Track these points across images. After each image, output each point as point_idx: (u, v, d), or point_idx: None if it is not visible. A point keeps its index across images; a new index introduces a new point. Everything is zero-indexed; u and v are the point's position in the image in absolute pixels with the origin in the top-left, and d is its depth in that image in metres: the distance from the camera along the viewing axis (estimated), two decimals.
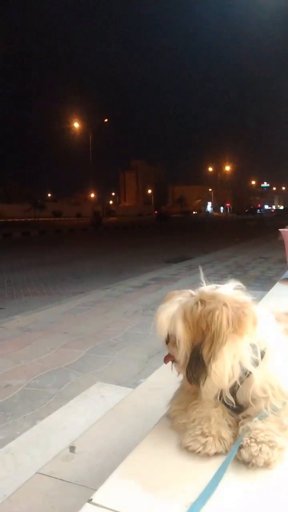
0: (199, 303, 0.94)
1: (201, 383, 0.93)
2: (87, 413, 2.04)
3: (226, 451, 0.95)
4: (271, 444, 0.91)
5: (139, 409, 1.82)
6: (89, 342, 3.77)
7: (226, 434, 0.97)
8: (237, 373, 0.95)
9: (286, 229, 3.06)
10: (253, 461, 0.90)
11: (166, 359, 1.05)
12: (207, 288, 1.02)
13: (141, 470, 0.94)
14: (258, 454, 0.89)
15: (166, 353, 1.07)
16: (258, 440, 0.91)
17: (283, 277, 3.27)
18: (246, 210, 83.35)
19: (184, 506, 0.82)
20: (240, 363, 0.93)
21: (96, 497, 0.85)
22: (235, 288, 1.01)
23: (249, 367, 0.94)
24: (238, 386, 0.97)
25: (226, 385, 0.94)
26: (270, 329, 0.98)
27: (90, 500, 0.84)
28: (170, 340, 0.99)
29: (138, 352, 3.50)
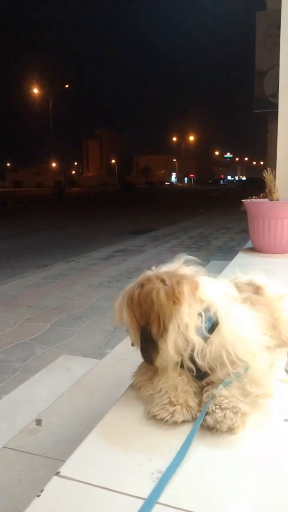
0: (138, 286, 0.97)
1: (154, 360, 0.96)
2: (53, 386, 2.03)
3: (193, 418, 0.97)
4: (234, 410, 0.94)
5: (106, 380, 1.84)
6: (53, 315, 3.73)
7: (193, 402, 1.00)
8: (190, 343, 0.96)
9: (248, 200, 3.10)
10: (218, 426, 0.92)
11: (132, 344, 1.08)
12: (152, 270, 1.03)
13: (109, 441, 0.95)
14: (222, 420, 0.91)
15: None
16: (222, 406, 0.94)
17: (245, 247, 3.34)
18: (210, 181, 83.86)
19: (151, 474, 0.83)
20: (188, 332, 0.95)
21: (64, 469, 0.85)
22: (184, 263, 1.03)
23: (196, 335, 0.96)
24: (195, 354, 0.99)
25: (176, 357, 0.96)
26: (218, 296, 1.00)
27: (58, 473, 0.84)
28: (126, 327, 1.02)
29: (104, 324, 3.51)
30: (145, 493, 0.79)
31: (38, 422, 1.48)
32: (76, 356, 2.68)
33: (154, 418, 0.99)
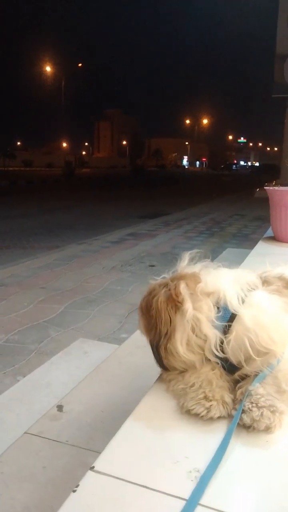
0: (147, 295, 0.97)
1: (163, 366, 0.98)
2: (70, 369, 2.02)
3: (228, 415, 0.94)
4: (272, 409, 0.91)
5: (125, 367, 1.82)
6: (67, 297, 3.72)
7: (228, 398, 0.97)
8: (207, 337, 0.94)
9: (271, 188, 3.01)
10: (255, 425, 0.89)
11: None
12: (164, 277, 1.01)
13: (142, 434, 0.92)
14: (259, 419, 0.89)
15: None
16: (259, 405, 0.91)
17: (265, 235, 3.27)
18: (222, 166, 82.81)
19: (188, 473, 0.81)
20: (202, 327, 0.93)
21: (98, 464, 0.83)
22: (190, 261, 1.01)
23: (211, 328, 0.93)
24: (212, 346, 0.96)
25: (193, 356, 0.95)
26: (228, 284, 0.97)
27: (92, 468, 0.82)
28: None
29: (118, 308, 3.49)
30: (183, 493, 0.76)
31: (60, 408, 1.46)
32: (92, 339, 2.67)
33: (188, 413, 0.96)
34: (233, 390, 0.99)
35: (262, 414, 0.90)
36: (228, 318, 0.94)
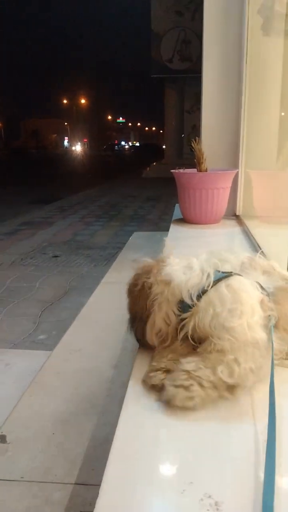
0: (131, 279, 1.06)
1: (141, 335, 1.04)
2: None
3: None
4: (190, 389, 0.93)
5: (64, 377, 1.67)
6: None
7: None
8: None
9: (177, 171, 3.05)
10: (171, 403, 0.93)
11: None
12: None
13: (130, 471, 0.82)
14: (173, 398, 0.92)
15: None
16: (176, 383, 0.93)
17: (174, 218, 3.32)
18: (105, 147, 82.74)
19: (200, 501, 0.73)
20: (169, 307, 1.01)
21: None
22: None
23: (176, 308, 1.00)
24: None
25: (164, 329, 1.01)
26: (189, 267, 1.04)
27: None
28: None
29: (28, 307, 3.24)
30: None
31: (2, 438, 1.26)
32: (8, 348, 2.42)
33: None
34: None
35: (175, 394, 0.92)
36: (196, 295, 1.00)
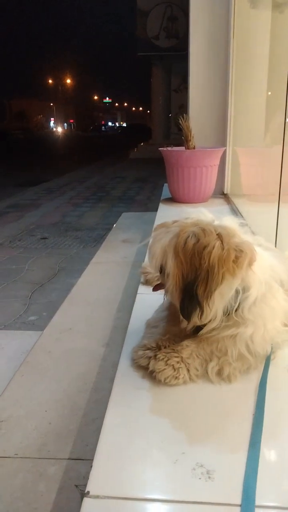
0: (193, 236, 0.89)
1: (192, 318, 0.90)
2: None
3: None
4: (176, 366, 0.96)
5: (56, 356, 1.67)
6: None
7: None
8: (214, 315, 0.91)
9: (165, 149, 3.00)
10: (155, 375, 0.98)
11: (156, 288, 1.03)
12: (204, 218, 0.93)
13: (124, 443, 0.83)
14: (159, 372, 0.96)
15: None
16: (165, 359, 0.97)
17: (162, 197, 3.30)
18: (91, 127, 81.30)
19: (192, 470, 0.75)
20: (219, 303, 0.90)
21: (93, 487, 0.72)
22: (235, 224, 0.95)
23: (221, 311, 0.91)
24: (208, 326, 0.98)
25: (216, 322, 0.93)
26: (263, 278, 0.94)
27: (87, 493, 0.70)
28: (162, 271, 0.95)
29: (18, 289, 3.21)
30: (199, 495, 0.70)
31: None
32: (2, 330, 2.41)
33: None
34: None
35: (163, 370, 0.95)
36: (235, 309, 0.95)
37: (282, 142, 1.69)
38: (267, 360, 1.00)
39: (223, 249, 0.86)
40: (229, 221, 0.96)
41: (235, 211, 2.63)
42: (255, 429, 0.80)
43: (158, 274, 1.04)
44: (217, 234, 0.88)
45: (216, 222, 0.96)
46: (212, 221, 0.96)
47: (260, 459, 0.74)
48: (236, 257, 0.86)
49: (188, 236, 0.89)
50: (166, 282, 0.92)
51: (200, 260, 0.86)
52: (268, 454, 0.76)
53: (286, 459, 0.75)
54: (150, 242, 0.99)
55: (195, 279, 0.86)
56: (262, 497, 0.67)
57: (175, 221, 0.99)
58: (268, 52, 2.45)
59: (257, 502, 0.66)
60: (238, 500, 0.67)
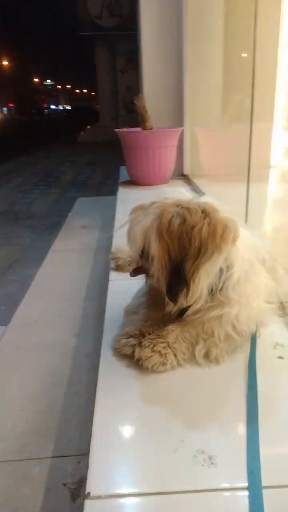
0: (177, 216, 0.85)
1: (179, 299, 0.88)
2: None
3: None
4: (163, 352, 0.94)
5: (25, 350, 1.59)
6: None
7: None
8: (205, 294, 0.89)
9: (122, 130, 2.92)
10: (141, 362, 0.95)
11: (134, 273, 0.98)
12: (183, 198, 0.89)
13: (119, 437, 0.79)
14: (145, 360, 0.94)
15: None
16: (151, 346, 0.94)
17: (120, 180, 3.22)
18: (33, 111, 78.16)
19: (194, 457, 0.73)
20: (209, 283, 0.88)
21: (93, 487, 0.68)
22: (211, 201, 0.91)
23: (205, 290, 0.89)
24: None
25: (201, 302, 0.91)
26: (246, 256, 0.92)
27: (87, 495, 0.66)
28: (144, 255, 0.90)
29: None
30: (203, 483, 0.68)
31: None
32: None
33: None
34: None
35: (150, 357, 0.93)
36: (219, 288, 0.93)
37: (243, 121, 1.68)
38: (253, 339, 1.00)
39: (210, 225, 0.83)
40: (207, 199, 0.94)
41: (198, 192, 2.63)
42: (250, 409, 0.80)
43: (134, 258, 0.99)
44: (202, 211, 0.86)
45: (195, 201, 0.93)
46: (191, 200, 0.93)
47: (260, 438, 0.73)
48: (223, 231, 0.84)
49: (173, 216, 0.85)
50: (151, 265, 0.88)
51: (190, 240, 0.83)
52: (267, 432, 0.76)
53: (286, 436, 0.76)
54: (128, 226, 0.94)
55: (182, 259, 0.84)
56: (267, 476, 0.67)
57: (153, 202, 0.95)
58: (223, 25, 2.42)
59: (264, 483, 0.65)
60: (244, 483, 0.66)
